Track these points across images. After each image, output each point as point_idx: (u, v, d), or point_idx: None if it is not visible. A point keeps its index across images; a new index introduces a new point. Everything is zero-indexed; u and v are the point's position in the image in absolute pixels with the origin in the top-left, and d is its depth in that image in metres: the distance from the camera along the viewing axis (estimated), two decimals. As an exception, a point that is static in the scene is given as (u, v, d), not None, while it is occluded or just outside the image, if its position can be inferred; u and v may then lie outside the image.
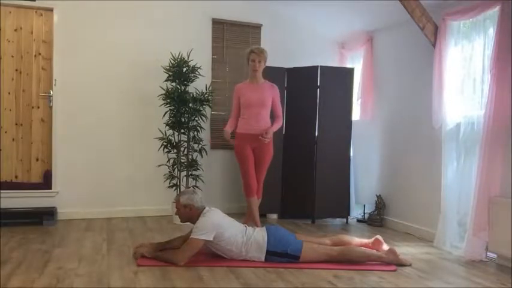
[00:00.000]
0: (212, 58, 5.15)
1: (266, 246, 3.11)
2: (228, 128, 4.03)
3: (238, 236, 3.13)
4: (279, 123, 4.07)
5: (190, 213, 3.17)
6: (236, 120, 4.05)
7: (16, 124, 4.52)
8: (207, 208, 3.19)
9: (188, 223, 3.27)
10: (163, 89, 4.56)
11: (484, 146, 3.35)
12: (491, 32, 3.46)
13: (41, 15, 4.56)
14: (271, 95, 4.02)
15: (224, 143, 5.14)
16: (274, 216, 4.98)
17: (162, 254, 3.11)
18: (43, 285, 2.59)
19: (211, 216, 3.11)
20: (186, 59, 4.58)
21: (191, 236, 3.04)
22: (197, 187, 4.55)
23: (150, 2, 4.84)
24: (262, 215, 4.91)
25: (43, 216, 4.24)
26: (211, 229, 3.04)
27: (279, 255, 3.11)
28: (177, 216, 3.31)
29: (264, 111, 3.98)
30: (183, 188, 4.51)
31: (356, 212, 5.15)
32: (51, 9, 4.52)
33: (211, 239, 3.04)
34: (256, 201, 3.99)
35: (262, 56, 3.96)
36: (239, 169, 4.06)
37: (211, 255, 3.17)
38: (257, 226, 3.63)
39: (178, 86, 4.57)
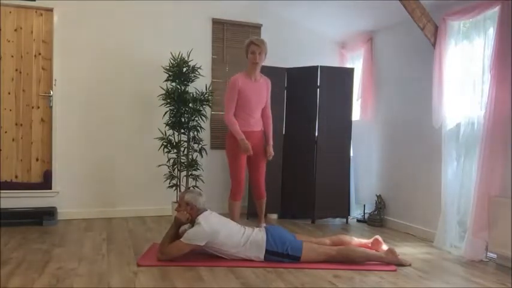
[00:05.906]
0: (212, 58, 5.15)
1: (265, 245, 3.12)
2: (242, 134, 3.73)
3: (235, 237, 3.15)
4: (271, 124, 3.97)
5: (190, 212, 3.21)
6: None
7: (16, 124, 4.52)
8: (205, 212, 3.21)
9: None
10: (163, 89, 4.55)
11: (484, 146, 3.35)
12: (491, 32, 3.46)
13: (41, 15, 4.56)
14: (267, 91, 3.92)
15: (224, 143, 5.16)
16: (274, 216, 4.98)
17: (163, 240, 3.15)
18: (43, 285, 2.59)
19: (206, 225, 3.08)
20: (186, 59, 4.58)
21: (181, 239, 3.06)
22: (197, 187, 4.54)
23: (150, 2, 4.84)
24: (262, 215, 4.92)
25: (43, 216, 4.24)
26: (202, 238, 3.06)
27: (279, 255, 3.12)
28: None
29: (260, 111, 3.90)
30: (183, 188, 4.51)
31: (356, 212, 5.15)
32: (51, 9, 4.52)
33: (202, 244, 3.06)
34: (239, 205, 3.90)
35: (262, 47, 3.74)
36: (229, 169, 3.88)
37: (211, 255, 3.17)
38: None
39: (178, 86, 4.56)
